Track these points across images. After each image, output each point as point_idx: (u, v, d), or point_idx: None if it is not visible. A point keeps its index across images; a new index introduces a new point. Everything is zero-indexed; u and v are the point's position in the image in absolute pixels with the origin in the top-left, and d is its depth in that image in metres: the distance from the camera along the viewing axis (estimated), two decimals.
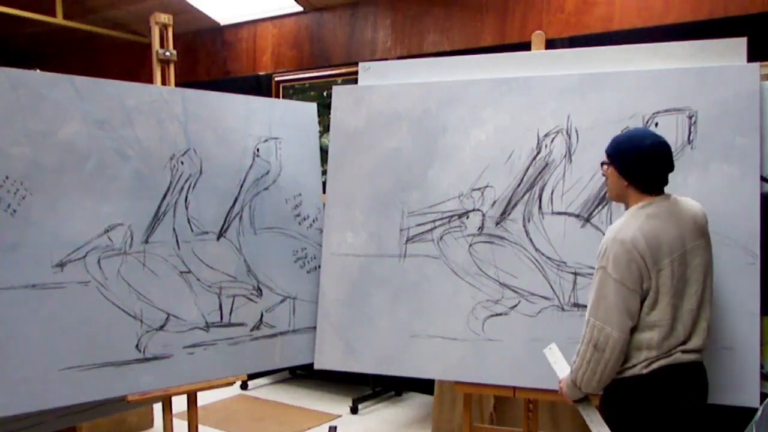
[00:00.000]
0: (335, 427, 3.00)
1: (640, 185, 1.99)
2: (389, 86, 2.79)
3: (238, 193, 2.74)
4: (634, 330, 1.93)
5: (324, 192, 2.94)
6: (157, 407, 3.08)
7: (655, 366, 1.92)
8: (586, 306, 2.41)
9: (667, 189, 2.05)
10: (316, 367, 2.79)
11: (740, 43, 2.38)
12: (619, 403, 1.98)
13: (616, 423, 1.98)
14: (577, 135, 2.49)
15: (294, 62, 5.12)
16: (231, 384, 2.72)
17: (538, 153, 2.54)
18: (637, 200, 2.00)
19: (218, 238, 2.68)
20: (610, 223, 2.41)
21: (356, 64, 3.01)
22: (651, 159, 1.95)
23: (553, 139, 2.53)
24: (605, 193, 2.44)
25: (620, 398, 1.97)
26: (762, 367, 2.26)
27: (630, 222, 1.95)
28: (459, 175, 2.63)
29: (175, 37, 2.82)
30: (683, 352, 1.94)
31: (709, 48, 2.41)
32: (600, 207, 2.45)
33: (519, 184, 2.55)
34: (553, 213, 2.50)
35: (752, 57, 2.36)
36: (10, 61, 2.71)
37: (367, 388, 4.44)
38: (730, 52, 2.38)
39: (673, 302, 1.92)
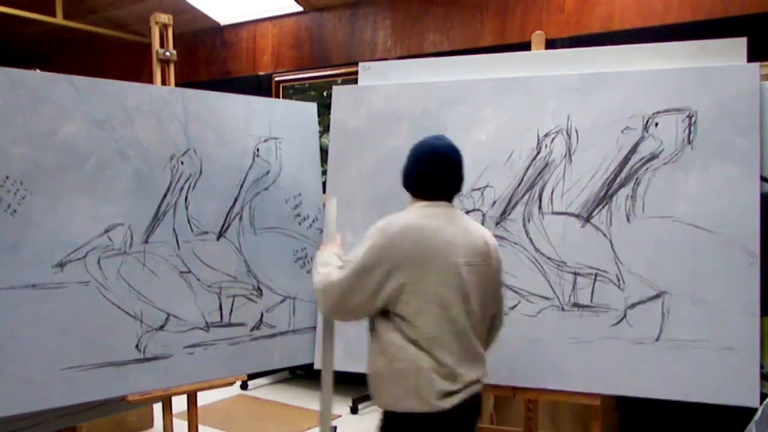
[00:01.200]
0: (335, 427, 3.00)
1: (415, 192, 1.99)
2: (389, 86, 2.79)
3: (238, 193, 2.74)
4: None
5: (324, 192, 2.94)
6: (157, 407, 3.08)
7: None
8: (586, 306, 2.42)
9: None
10: (317, 367, 2.79)
11: (740, 43, 2.38)
12: None
13: None
14: (577, 135, 2.49)
15: (294, 62, 5.12)
16: (231, 384, 2.72)
17: (538, 153, 2.54)
18: (415, 202, 1.99)
19: (218, 238, 2.68)
20: (610, 224, 2.42)
21: (356, 64, 3.01)
22: (425, 167, 1.95)
23: (553, 139, 2.53)
24: (605, 192, 2.44)
25: None
26: (762, 367, 2.26)
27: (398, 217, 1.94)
28: None
29: (175, 37, 2.82)
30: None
31: (709, 48, 2.41)
32: (600, 207, 2.45)
33: (519, 184, 2.55)
34: (553, 213, 2.50)
35: (752, 57, 2.36)
36: (10, 61, 2.70)
37: (367, 388, 4.43)
38: (730, 52, 2.38)
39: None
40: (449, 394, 1.84)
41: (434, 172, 1.93)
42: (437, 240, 1.86)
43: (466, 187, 2.61)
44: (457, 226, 1.92)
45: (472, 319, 1.90)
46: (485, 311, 1.97)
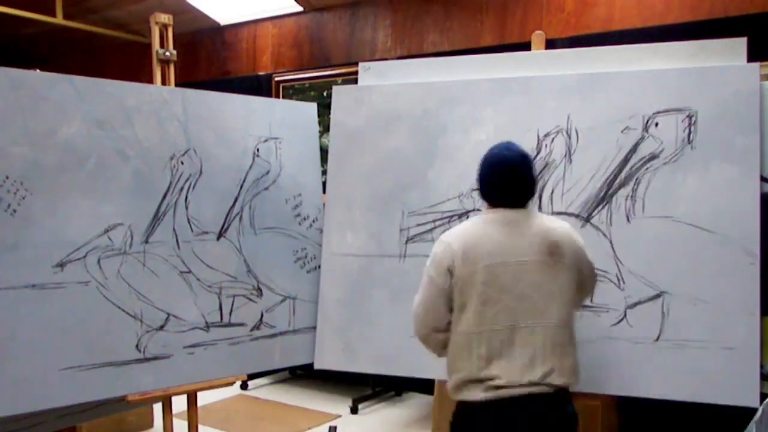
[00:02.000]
0: (335, 427, 3.00)
1: (489, 201, 2.00)
2: (389, 86, 2.79)
3: (238, 193, 2.74)
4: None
5: (324, 192, 2.94)
6: (157, 407, 3.08)
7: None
8: (586, 306, 2.42)
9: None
10: (316, 367, 2.79)
11: (740, 43, 2.38)
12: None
13: None
14: (577, 135, 2.49)
15: (294, 62, 5.12)
16: (231, 384, 2.72)
17: (538, 153, 2.54)
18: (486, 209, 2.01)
19: (218, 238, 2.68)
20: (610, 224, 2.42)
21: (356, 64, 3.01)
22: (493, 176, 1.96)
23: (553, 139, 2.53)
24: (605, 192, 2.44)
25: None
26: (762, 367, 2.26)
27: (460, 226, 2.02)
28: (459, 175, 2.63)
29: (175, 37, 2.82)
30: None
31: (709, 48, 2.41)
32: (600, 207, 2.45)
33: None
34: (553, 213, 2.50)
35: (752, 57, 2.36)
36: (10, 61, 2.70)
37: (367, 388, 4.44)
38: (730, 52, 2.38)
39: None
40: (479, 387, 1.85)
41: (489, 181, 1.97)
42: (484, 242, 1.90)
43: (466, 186, 2.62)
44: (513, 228, 1.91)
45: (521, 317, 1.87)
46: (552, 310, 1.88)
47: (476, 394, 1.85)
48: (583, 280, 1.98)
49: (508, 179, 1.94)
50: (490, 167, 1.96)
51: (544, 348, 1.85)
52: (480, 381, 1.85)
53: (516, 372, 1.83)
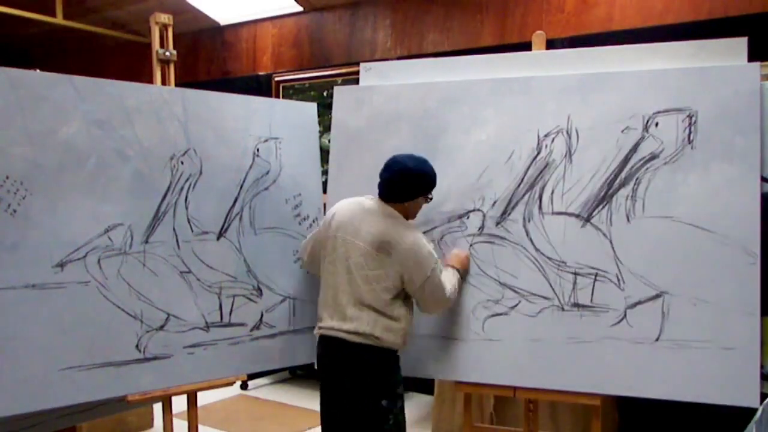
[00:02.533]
0: None
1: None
2: (390, 86, 2.79)
3: (238, 193, 2.74)
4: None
5: (324, 192, 2.94)
6: (157, 407, 3.08)
7: (318, 332, 2.48)
8: (586, 306, 2.42)
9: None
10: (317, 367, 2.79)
11: (740, 43, 2.38)
12: None
13: None
14: (578, 135, 2.49)
15: (294, 62, 5.12)
16: (231, 384, 2.72)
17: (539, 153, 2.54)
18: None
19: (218, 238, 2.68)
20: (611, 224, 2.42)
21: (356, 64, 3.01)
22: (382, 172, 2.45)
23: (553, 139, 2.53)
24: (605, 192, 2.44)
25: None
26: (762, 367, 2.26)
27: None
28: (459, 175, 2.64)
29: (175, 37, 2.81)
30: (333, 329, 2.40)
31: (709, 48, 2.41)
32: (600, 207, 2.45)
33: (519, 184, 2.55)
34: (553, 213, 2.50)
35: (752, 57, 2.36)
36: (10, 61, 2.70)
37: None
38: (730, 52, 2.38)
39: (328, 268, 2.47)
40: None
41: (380, 174, 2.49)
42: (345, 216, 2.49)
43: (466, 186, 2.62)
44: (368, 216, 2.42)
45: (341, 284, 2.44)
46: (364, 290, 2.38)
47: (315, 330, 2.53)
48: (409, 279, 2.37)
49: (386, 178, 2.42)
50: (383, 168, 2.44)
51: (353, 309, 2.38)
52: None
53: (328, 321, 2.43)
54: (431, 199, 2.49)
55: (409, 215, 2.46)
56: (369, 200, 2.47)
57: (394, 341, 2.38)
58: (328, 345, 2.43)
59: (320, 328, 2.46)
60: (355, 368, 2.37)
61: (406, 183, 2.40)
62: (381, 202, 2.44)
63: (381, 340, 2.34)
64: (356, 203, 2.47)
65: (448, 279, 2.45)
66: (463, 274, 2.56)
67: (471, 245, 2.59)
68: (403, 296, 2.41)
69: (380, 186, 2.44)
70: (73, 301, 2.32)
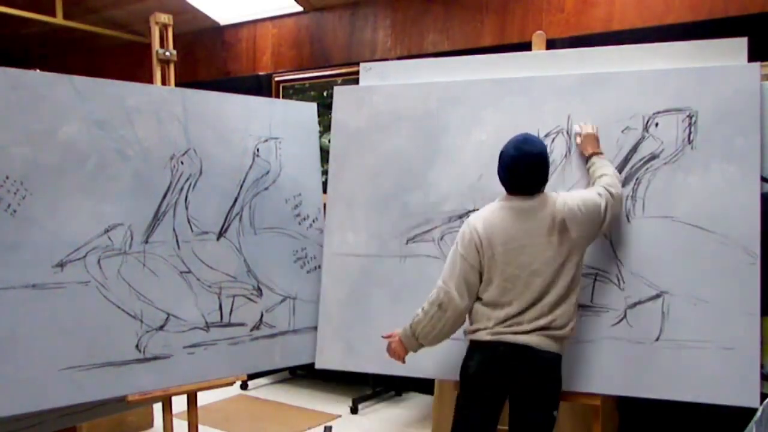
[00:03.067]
0: (330, 427, 3.00)
1: (506, 188, 2.27)
2: (390, 86, 2.79)
3: (238, 193, 2.74)
4: (479, 301, 2.24)
5: (324, 192, 2.94)
6: (157, 407, 3.08)
7: (489, 338, 2.19)
8: (586, 306, 2.42)
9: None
10: (318, 366, 2.79)
11: (740, 43, 2.38)
12: (464, 358, 2.30)
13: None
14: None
15: (294, 62, 5.12)
16: (231, 384, 2.72)
17: None
18: (503, 196, 2.28)
19: (218, 238, 2.68)
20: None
21: (356, 64, 3.01)
22: (510, 168, 2.22)
23: (553, 139, 2.53)
24: None
25: (466, 355, 2.30)
26: (762, 367, 2.26)
27: (484, 209, 2.30)
28: (459, 175, 2.64)
29: (175, 37, 2.81)
30: (513, 333, 2.16)
31: (709, 48, 2.41)
32: None
33: None
34: None
35: (752, 57, 2.36)
36: (10, 61, 2.70)
37: (367, 388, 4.44)
38: (730, 52, 2.38)
39: (505, 285, 2.18)
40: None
41: (504, 175, 2.25)
42: (502, 227, 2.23)
43: (466, 186, 2.62)
44: (525, 214, 2.20)
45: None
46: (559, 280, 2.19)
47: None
48: (594, 231, 2.24)
49: (520, 174, 2.21)
50: (504, 163, 2.24)
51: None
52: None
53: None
54: None
55: None
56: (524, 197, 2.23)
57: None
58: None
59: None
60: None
61: (542, 173, 2.24)
62: (521, 199, 2.23)
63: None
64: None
65: (605, 165, 2.35)
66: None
67: None
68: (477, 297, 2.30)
69: (512, 185, 2.24)
70: (73, 301, 2.32)
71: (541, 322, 2.15)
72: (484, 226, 2.22)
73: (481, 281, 2.23)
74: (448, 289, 2.21)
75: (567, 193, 2.28)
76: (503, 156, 2.24)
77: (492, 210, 2.26)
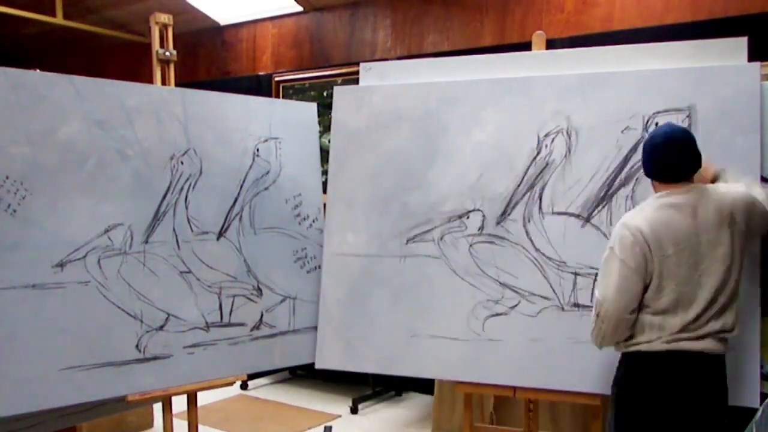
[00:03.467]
0: (330, 427, 3.00)
1: (654, 176, 2.11)
2: (390, 86, 2.79)
3: (238, 193, 2.74)
4: (643, 310, 2.04)
5: (324, 192, 2.94)
6: (157, 407, 3.08)
7: (665, 347, 2.00)
8: (586, 306, 2.42)
9: None
10: (318, 366, 2.79)
11: (740, 43, 2.38)
12: (623, 372, 2.12)
13: (619, 391, 2.12)
14: (577, 135, 2.49)
15: (294, 62, 5.12)
16: (231, 384, 2.72)
17: (539, 153, 2.54)
18: (657, 190, 2.11)
19: (218, 238, 2.68)
20: (611, 224, 2.41)
21: (356, 64, 3.01)
22: (658, 151, 2.06)
23: (553, 139, 2.53)
24: (605, 192, 2.44)
25: (626, 369, 2.11)
26: (762, 367, 2.26)
27: (641, 209, 2.09)
28: (459, 175, 2.63)
29: (175, 37, 2.81)
30: (689, 339, 2.00)
31: (709, 48, 2.41)
32: (600, 207, 2.45)
33: (519, 184, 2.55)
34: (553, 213, 2.50)
35: (752, 57, 2.36)
36: (10, 61, 2.70)
37: (367, 388, 4.44)
38: (730, 52, 2.38)
39: (680, 289, 2.00)
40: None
41: (656, 157, 2.09)
42: (670, 227, 2.04)
43: (466, 186, 2.62)
44: (690, 210, 2.04)
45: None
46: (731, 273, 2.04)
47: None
48: (764, 224, 2.10)
49: (673, 157, 2.05)
50: (654, 146, 2.07)
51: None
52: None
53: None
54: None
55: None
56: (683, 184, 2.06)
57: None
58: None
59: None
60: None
61: (695, 152, 2.08)
62: (678, 189, 2.06)
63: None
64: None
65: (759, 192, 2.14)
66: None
67: (471, 245, 2.58)
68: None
69: (669, 170, 2.06)
70: (73, 301, 2.32)
71: (717, 325, 2.00)
72: (651, 228, 2.01)
73: (646, 289, 2.03)
74: (603, 300, 2.04)
75: (723, 184, 2.13)
76: (651, 145, 2.09)
77: (653, 209, 2.06)
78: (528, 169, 2.55)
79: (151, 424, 3.85)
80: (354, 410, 4.19)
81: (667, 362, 2.00)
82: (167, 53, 2.77)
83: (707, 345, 2.00)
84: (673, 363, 2.00)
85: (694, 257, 2.00)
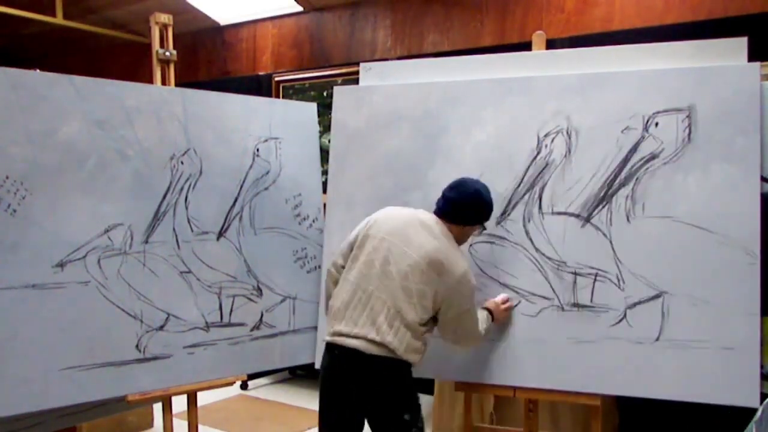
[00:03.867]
0: None
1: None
2: (390, 86, 2.79)
3: (238, 193, 2.74)
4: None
5: (324, 192, 2.94)
6: (157, 407, 3.08)
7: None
8: (586, 306, 2.42)
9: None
10: (318, 366, 2.78)
11: (740, 43, 2.38)
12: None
13: None
14: (577, 135, 2.49)
15: (294, 62, 5.12)
16: (231, 384, 2.72)
17: (539, 153, 2.54)
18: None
19: (218, 238, 2.68)
20: (611, 224, 2.42)
21: (356, 64, 3.01)
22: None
23: (553, 139, 2.53)
24: (605, 192, 2.44)
25: None
26: (762, 367, 2.26)
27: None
28: (460, 175, 2.63)
29: (175, 37, 2.81)
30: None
31: (709, 48, 2.41)
32: (600, 207, 2.45)
33: (519, 184, 2.55)
34: (553, 213, 2.50)
35: (752, 57, 2.36)
36: (10, 61, 2.70)
37: None
38: (730, 52, 2.38)
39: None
40: None
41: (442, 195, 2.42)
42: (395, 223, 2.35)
43: None
44: (427, 230, 2.30)
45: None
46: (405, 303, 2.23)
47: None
48: (448, 306, 2.26)
49: (454, 198, 2.34)
50: (452, 184, 2.38)
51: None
52: None
53: (351, 327, 2.23)
54: (484, 229, 2.53)
55: (460, 240, 2.37)
56: (425, 214, 2.34)
57: (413, 360, 2.25)
58: (346, 356, 2.19)
59: (340, 335, 2.21)
60: (377, 382, 2.19)
61: (475, 208, 2.34)
62: (439, 219, 2.33)
63: (402, 356, 2.19)
64: (411, 213, 2.34)
65: (482, 319, 2.38)
66: (494, 321, 2.45)
67: (471, 245, 2.59)
68: (432, 321, 2.30)
69: (444, 205, 2.34)
70: (73, 301, 2.32)
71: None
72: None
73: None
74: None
75: (454, 252, 2.27)
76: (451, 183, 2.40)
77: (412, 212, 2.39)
78: (528, 169, 2.55)
79: (151, 424, 3.85)
80: None
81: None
82: (167, 53, 2.77)
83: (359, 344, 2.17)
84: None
85: (388, 254, 2.25)
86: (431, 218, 2.32)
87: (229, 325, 2.68)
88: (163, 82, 2.76)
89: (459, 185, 2.35)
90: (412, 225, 2.28)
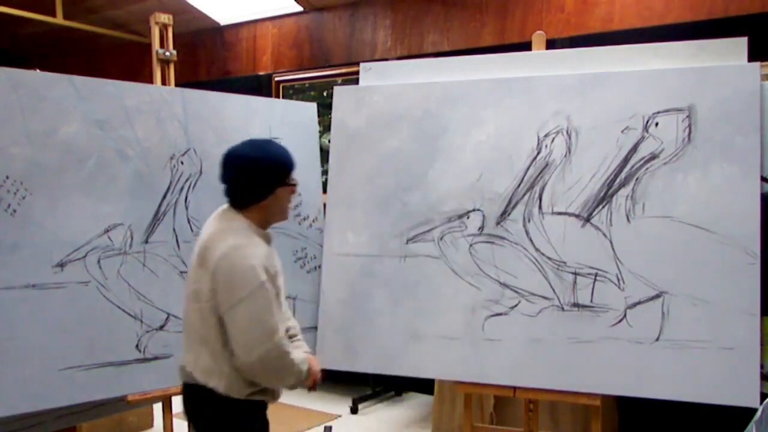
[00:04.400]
0: (330, 427, 3.00)
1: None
2: (390, 86, 2.79)
3: None
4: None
5: (324, 192, 2.94)
6: (157, 407, 3.08)
7: None
8: (586, 306, 2.42)
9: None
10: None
11: (740, 43, 2.38)
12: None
13: None
14: (577, 135, 2.49)
15: (294, 62, 5.12)
16: None
17: (539, 153, 2.54)
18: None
19: None
20: (611, 224, 2.42)
21: (356, 64, 3.01)
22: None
23: (553, 139, 2.53)
24: (605, 192, 2.44)
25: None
26: (762, 367, 2.26)
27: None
28: (459, 175, 2.63)
29: (175, 37, 2.82)
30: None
31: (709, 48, 2.41)
32: (600, 207, 2.45)
33: (519, 184, 2.55)
34: (553, 213, 2.50)
35: (752, 57, 2.36)
36: (10, 61, 2.70)
37: (367, 388, 4.44)
38: (730, 52, 2.38)
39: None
40: None
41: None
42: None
43: (466, 186, 2.62)
44: (208, 226, 1.93)
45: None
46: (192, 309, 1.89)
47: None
48: (219, 300, 1.79)
49: (226, 177, 1.88)
50: (221, 162, 1.90)
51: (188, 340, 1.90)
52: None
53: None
54: (295, 185, 1.96)
55: (269, 218, 1.96)
56: (221, 207, 1.95)
57: (222, 387, 1.83)
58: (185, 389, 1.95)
59: (181, 369, 1.94)
60: (194, 411, 1.93)
61: (251, 177, 1.84)
62: (228, 207, 1.91)
63: (199, 380, 1.84)
64: (213, 215, 1.96)
65: (296, 347, 1.99)
66: (308, 370, 2.07)
67: (471, 245, 2.59)
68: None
69: (224, 190, 1.90)
70: (73, 301, 2.32)
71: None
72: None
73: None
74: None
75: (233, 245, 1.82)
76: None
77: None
78: (528, 169, 2.55)
79: (151, 424, 3.84)
80: (354, 410, 4.19)
81: None
82: (167, 53, 2.77)
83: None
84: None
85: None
86: (221, 209, 1.94)
87: None
88: (163, 82, 2.76)
89: (225, 161, 1.88)
90: (204, 228, 1.92)
